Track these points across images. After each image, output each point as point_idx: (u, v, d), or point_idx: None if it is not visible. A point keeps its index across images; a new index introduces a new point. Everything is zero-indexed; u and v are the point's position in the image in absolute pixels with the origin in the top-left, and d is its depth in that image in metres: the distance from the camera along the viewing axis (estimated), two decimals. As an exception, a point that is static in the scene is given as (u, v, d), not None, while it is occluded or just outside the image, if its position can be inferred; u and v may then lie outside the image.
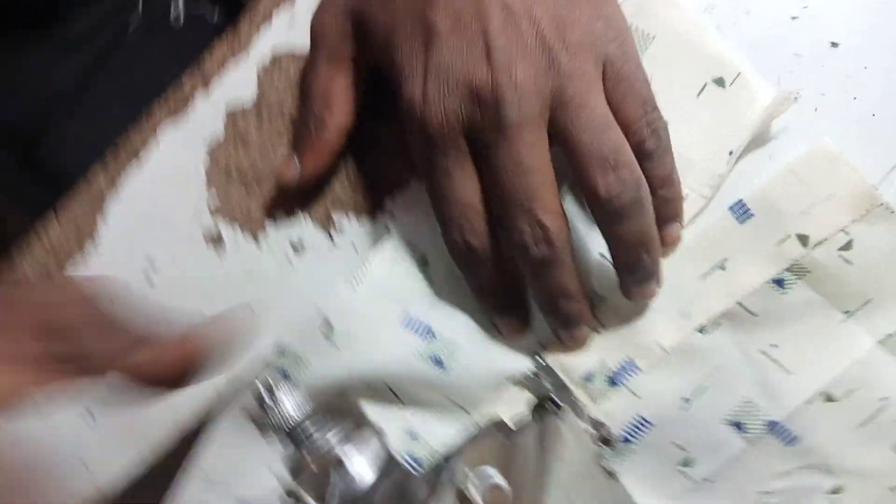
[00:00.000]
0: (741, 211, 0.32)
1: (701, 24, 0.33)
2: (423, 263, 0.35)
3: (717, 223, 0.33)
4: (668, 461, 0.34)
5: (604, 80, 0.28)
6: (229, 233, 0.39)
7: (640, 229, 0.29)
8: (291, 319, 0.37)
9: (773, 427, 0.33)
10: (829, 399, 0.33)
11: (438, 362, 0.34)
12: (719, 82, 0.32)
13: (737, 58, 0.32)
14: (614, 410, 0.34)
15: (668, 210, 0.31)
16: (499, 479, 0.18)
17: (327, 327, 0.35)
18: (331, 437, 0.20)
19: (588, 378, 0.34)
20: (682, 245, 0.33)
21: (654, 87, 0.30)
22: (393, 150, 0.37)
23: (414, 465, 0.31)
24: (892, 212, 0.31)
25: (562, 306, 0.31)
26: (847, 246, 0.32)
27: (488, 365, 0.34)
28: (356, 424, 0.20)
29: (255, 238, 0.38)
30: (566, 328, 0.32)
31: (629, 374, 0.33)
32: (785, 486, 0.34)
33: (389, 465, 0.20)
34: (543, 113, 0.28)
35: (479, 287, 0.33)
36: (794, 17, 0.32)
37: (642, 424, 0.34)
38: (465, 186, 0.30)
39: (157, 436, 0.40)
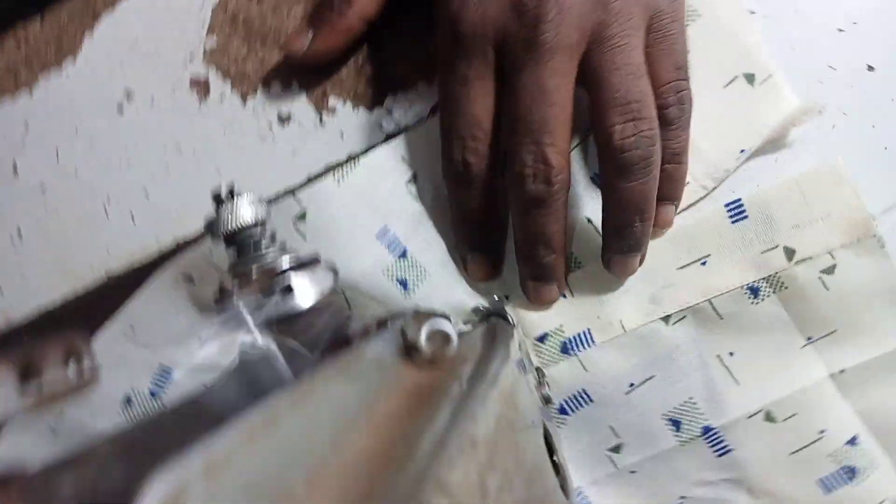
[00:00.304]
0: (736, 211, 0.32)
1: (747, 16, 0.32)
2: (413, 181, 0.34)
3: (709, 217, 0.32)
4: (598, 442, 0.33)
5: (647, 31, 0.28)
6: (218, 84, 0.37)
7: (642, 191, 0.28)
8: (262, 192, 0.35)
9: (707, 432, 0.32)
10: (770, 419, 0.32)
11: (403, 284, 0.33)
12: (749, 78, 0.31)
13: (772, 59, 0.31)
14: (559, 378, 0.33)
15: (669, 188, 0.30)
16: (448, 327, 0.16)
17: (300, 216, 0.33)
18: (282, 259, 0.18)
19: (542, 339, 0.33)
20: (669, 230, 0.32)
21: None
22: (408, 48, 0.35)
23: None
24: (883, 247, 0.31)
25: (539, 254, 0.30)
26: (830, 270, 0.31)
27: (450, 300, 0.33)
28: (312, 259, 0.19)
29: (244, 98, 0.37)
30: (536, 279, 0.31)
31: (583, 346, 0.33)
32: (704, 495, 0.33)
33: (332, 304, 0.18)
34: (580, 44, 0.27)
35: (461, 215, 0.32)
36: (840, 30, 0.32)
37: (583, 399, 0.33)
38: (480, 101, 0.28)
39: (80, 273, 0.38)
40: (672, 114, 0.28)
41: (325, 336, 0.17)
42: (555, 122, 0.27)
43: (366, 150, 0.35)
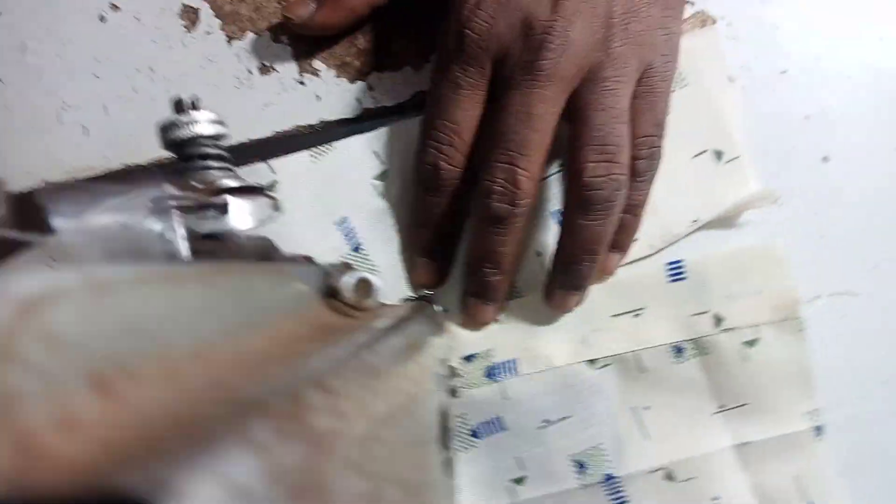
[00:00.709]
0: (676, 271, 0.33)
1: (730, 92, 0.33)
2: (381, 177, 0.34)
3: (649, 272, 0.33)
4: (503, 470, 0.34)
5: (637, 83, 0.28)
6: (208, 17, 0.36)
7: (598, 232, 0.28)
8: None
9: (609, 480, 0.33)
10: (670, 478, 0.33)
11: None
12: (718, 154, 0.33)
13: (743, 141, 0.33)
14: (479, 401, 0.33)
15: (620, 238, 0.31)
16: (373, 280, 0.16)
17: (270, 185, 0.33)
18: (227, 178, 0.18)
19: (469, 358, 0.33)
20: (611, 279, 0.33)
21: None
22: (405, 30, 0.35)
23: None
24: (802, 331, 0.32)
25: (487, 271, 0.30)
26: (752, 343, 0.32)
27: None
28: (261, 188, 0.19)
29: (230, 39, 0.36)
30: (477, 295, 0.31)
31: (507, 374, 0.33)
32: None
33: (265, 242, 0.18)
34: (574, 79, 0.27)
35: (421, 218, 0.32)
36: (807, 117, 0.34)
37: (497, 426, 0.33)
38: (467, 110, 0.29)
39: (16, 175, 0.36)
40: (642, 166, 0.29)
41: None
42: (533, 147, 0.27)
43: (338, 121, 0.35)
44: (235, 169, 0.19)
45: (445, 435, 0.20)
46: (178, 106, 0.18)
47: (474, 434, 0.33)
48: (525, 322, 0.33)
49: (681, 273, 0.33)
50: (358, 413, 0.09)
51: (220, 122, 0.18)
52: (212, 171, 0.18)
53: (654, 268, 0.33)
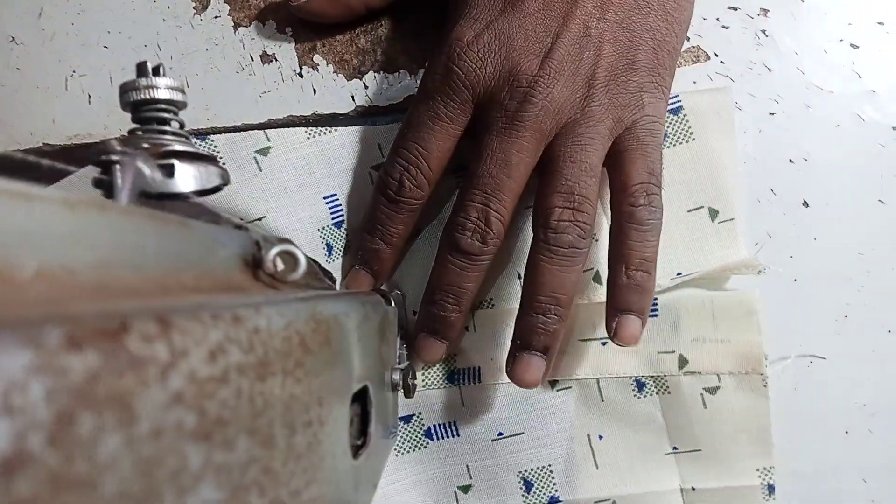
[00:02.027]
0: (650, 312, 0.32)
1: (735, 153, 0.33)
2: (378, 169, 0.34)
3: None
4: (451, 476, 0.34)
5: (622, 140, 0.28)
6: (218, 4, 0.37)
7: (562, 278, 0.28)
8: (219, 119, 0.36)
9: (552, 502, 0.33)
10: None
11: (329, 248, 0.34)
12: (713, 214, 0.33)
13: (739, 204, 0.33)
14: (437, 403, 0.33)
15: (634, 298, 0.28)
16: (299, 255, 0.17)
17: (264, 150, 0.34)
18: (177, 144, 0.19)
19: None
20: (580, 305, 0.32)
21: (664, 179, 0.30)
22: (405, 36, 0.36)
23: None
24: (765, 386, 0.32)
25: (447, 304, 0.30)
26: (713, 390, 0.32)
27: None
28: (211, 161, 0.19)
29: (236, 25, 0.37)
30: (431, 332, 0.31)
31: (469, 381, 0.33)
32: None
33: (207, 211, 0.19)
34: (551, 132, 0.28)
35: (370, 226, 0.32)
36: (791, 161, 0.34)
37: (451, 431, 0.33)
38: (441, 140, 0.29)
39: (18, 134, 0.37)
40: (642, 214, 0.28)
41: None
42: (507, 192, 0.28)
43: (330, 115, 0.36)
44: (188, 137, 0.20)
45: (366, 423, 0.20)
46: (141, 69, 0.19)
47: (427, 435, 0.34)
48: (493, 333, 0.33)
49: (654, 310, 0.33)
50: (200, 354, 0.10)
51: (180, 90, 0.19)
52: (164, 136, 0.19)
53: None
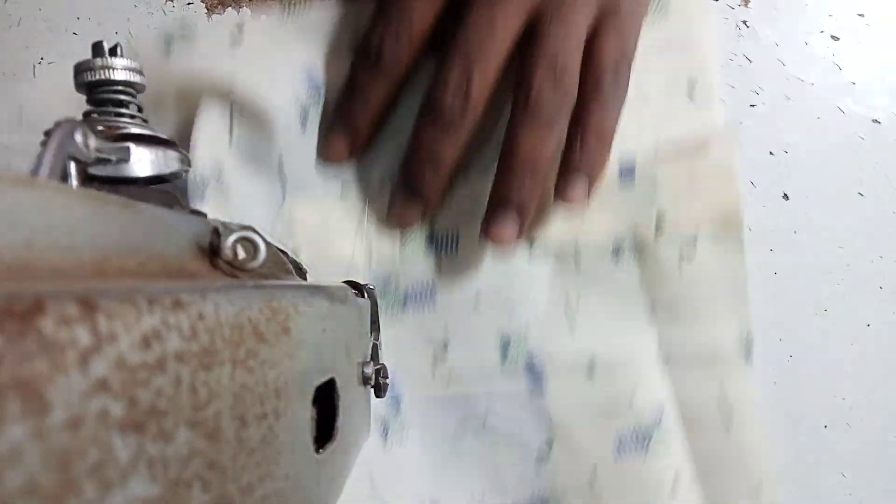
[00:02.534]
0: (627, 176, 0.32)
1: (710, 22, 0.33)
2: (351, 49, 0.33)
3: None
4: (428, 340, 0.33)
5: (600, 15, 0.28)
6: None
7: (540, 145, 0.28)
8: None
9: (529, 364, 0.33)
10: (590, 371, 0.33)
11: (304, 119, 0.33)
12: (691, 83, 0.32)
13: (715, 74, 0.32)
14: (414, 261, 0.33)
15: (585, 160, 0.29)
16: (259, 242, 0.16)
17: (239, 33, 0.33)
18: (134, 127, 0.18)
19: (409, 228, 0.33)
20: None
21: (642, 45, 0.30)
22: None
23: (200, 186, 0.31)
24: (741, 244, 0.32)
25: (425, 167, 0.30)
26: (690, 252, 0.32)
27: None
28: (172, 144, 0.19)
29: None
30: (408, 192, 0.31)
31: (448, 247, 0.33)
32: (505, 424, 0.33)
33: (165, 196, 0.18)
34: (534, 4, 0.28)
35: (350, 92, 0.31)
36: (771, 153, 0.34)
37: (430, 293, 0.33)
38: (424, 10, 0.29)
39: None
40: (606, 83, 0.28)
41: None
42: (490, 56, 0.28)
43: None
44: (146, 120, 0.19)
45: (333, 417, 0.19)
46: (97, 49, 0.18)
47: (405, 300, 0.33)
48: (470, 198, 0.33)
49: (633, 179, 0.32)
50: (130, 340, 0.09)
51: (137, 72, 0.18)
52: (120, 119, 0.18)
53: (606, 172, 0.32)
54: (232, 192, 0.32)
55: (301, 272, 0.29)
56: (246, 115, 0.33)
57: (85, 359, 0.08)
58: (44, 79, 0.37)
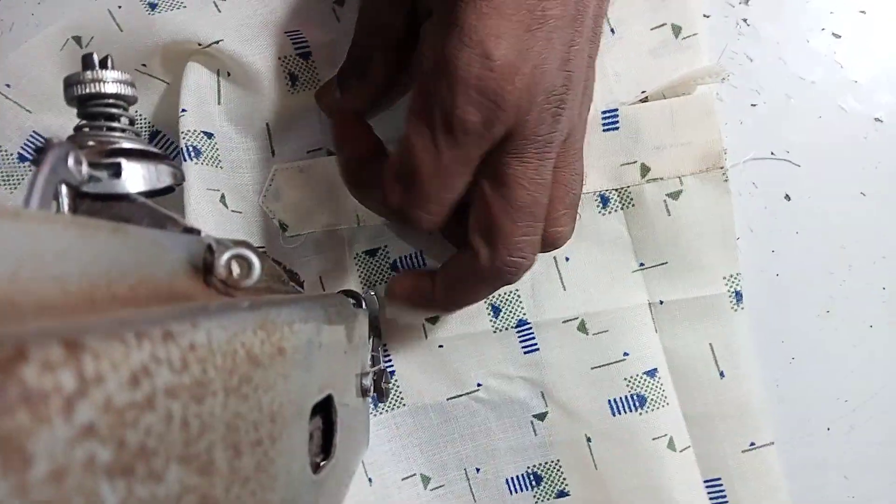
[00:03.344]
0: (611, 120, 0.32)
1: None
2: (339, 2, 0.34)
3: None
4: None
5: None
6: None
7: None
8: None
9: (521, 326, 0.33)
10: (582, 329, 0.33)
11: (293, 78, 0.33)
12: (676, 30, 0.32)
13: (700, 20, 0.32)
14: (401, 234, 0.33)
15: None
16: (254, 259, 0.16)
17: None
18: (125, 141, 0.18)
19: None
20: None
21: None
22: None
23: (191, 152, 0.30)
24: (726, 181, 0.32)
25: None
26: (675, 195, 0.32)
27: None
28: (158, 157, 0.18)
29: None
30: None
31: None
32: (499, 387, 0.34)
33: (157, 213, 0.17)
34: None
35: (363, 26, 0.29)
36: (772, 153, 0.33)
37: (416, 260, 0.33)
38: (458, 186, 0.25)
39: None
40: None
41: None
42: (539, 210, 0.26)
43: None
44: (138, 133, 0.18)
45: (330, 435, 0.19)
46: (87, 61, 0.18)
47: (393, 268, 0.33)
48: None
49: (615, 122, 0.32)
50: (118, 379, 0.09)
51: (129, 84, 0.18)
52: (111, 133, 0.18)
53: (589, 115, 0.30)
54: (223, 156, 0.32)
55: (295, 278, 0.28)
56: (233, 77, 0.32)
57: (70, 405, 0.08)
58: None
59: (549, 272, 0.33)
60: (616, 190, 0.32)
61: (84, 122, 0.18)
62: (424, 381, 0.34)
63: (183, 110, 0.31)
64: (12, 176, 0.35)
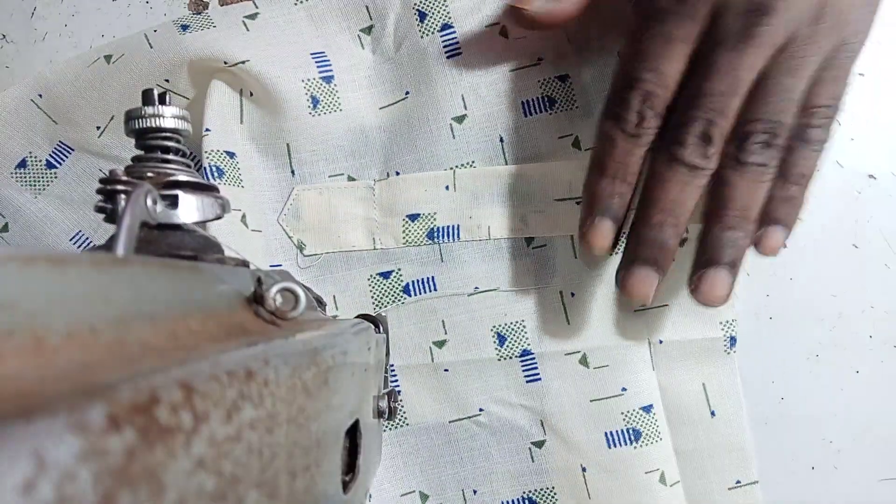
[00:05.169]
0: None
1: None
2: (367, 32, 0.35)
3: None
4: (426, 331, 0.35)
5: (825, 65, 0.27)
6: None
7: (752, 200, 0.28)
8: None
9: (525, 356, 0.34)
10: (584, 363, 0.34)
11: (314, 101, 0.34)
12: None
13: None
14: (416, 260, 0.34)
15: (785, 211, 0.29)
16: (299, 292, 0.17)
17: (251, 19, 0.34)
18: (181, 174, 0.19)
19: (413, 217, 0.34)
20: (554, 164, 0.34)
21: None
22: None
23: (214, 173, 0.32)
24: None
25: (667, 228, 0.29)
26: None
27: (341, 138, 0.34)
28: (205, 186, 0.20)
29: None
30: (649, 264, 0.29)
31: (448, 238, 0.34)
32: (500, 413, 0.35)
33: (208, 241, 0.19)
34: (778, 47, 0.26)
35: (613, 167, 0.29)
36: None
37: (429, 285, 0.34)
38: (676, 62, 0.28)
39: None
40: (814, 135, 0.28)
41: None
42: (732, 112, 0.27)
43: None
44: (192, 165, 0.20)
45: (355, 456, 0.20)
46: (147, 97, 0.19)
47: (405, 291, 0.35)
48: (472, 191, 0.34)
49: None
50: (218, 416, 0.10)
51: (185, 119, 0.19)
52: (168, 165, 0.19)
53: None
54: (244, 176, 0.34)
55: (321, 304, 0.30)
56: (255, 97, 0.34)
57: (188, 441, 0.09)
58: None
59: (556, 305, 0.34)
60: (624, 232, 0.34)
61: (142, 153, 0.20)
62: (429, 402, 0.35)
63: (207, 130, 0.33)
64: (39, 181, 0.36)
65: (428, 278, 0.35)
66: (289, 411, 0.13)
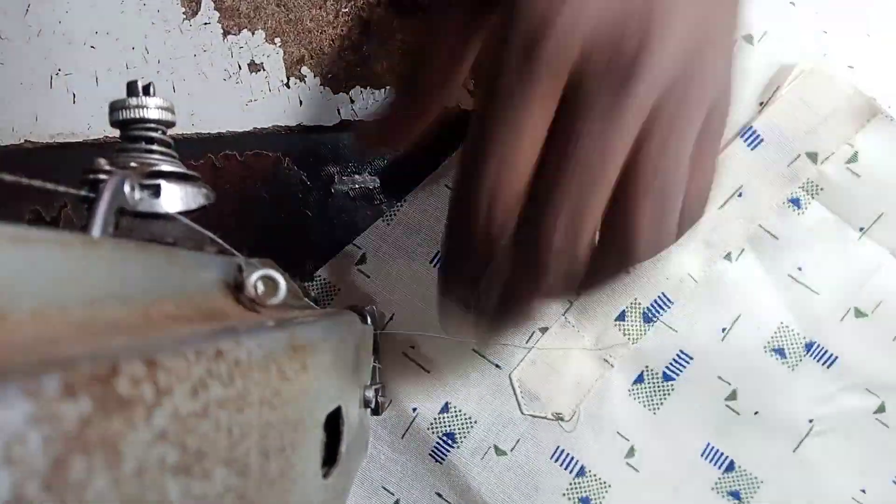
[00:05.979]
0: (752, 137, 0.33)
1: None
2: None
3: (729, 152, 0.33)
4: (713, 396, 0.33)
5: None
6: (208, 9, 0.38)
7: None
8: (203, 125, 0.36)
9: (810, 348, 0.33)
10: (860, 314, 0.33)
11: None
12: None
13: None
14: (653, 348, 0.33)
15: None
16: (280, 279, 0.17)
17: (361, 260, 0.34)
18: (164, 164, 0.19)
19: (621, 317, 0.33)
20: None
21: None
22: (391, 53, 0.37)
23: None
24: (892, 119, 0.32)
25: (508, 323, 0.23)
26: (853, 158, 0.33)
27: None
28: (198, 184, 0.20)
29: (226, 33, 0.38)
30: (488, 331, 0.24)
31: (663, 310, 0.33)
32: (830, 412, 0.33)
33: (190, 232, 0.19)
34: (650, 110, 0.20)
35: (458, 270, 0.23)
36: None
37: (683, 360, 0.33)
38: (531, 133, 0.20)
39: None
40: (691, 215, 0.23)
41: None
42: (603, 196, 0.20)
43: (318, 128, 0.36)
44: (176, 156, 0.20)
45: (337, 443, 0.21)
46: (131, 88, 0.19)
47: (666, 378, 0.33)
48: (649, 262, 0.30)
49: (757, 137, 0.33)
50: (183, 391, 0.10)
51: (169, 110, 0.19)
52: (152, 155, 0.19)
53: (731, 145, 0.33)
54: None
55: (306, 292, 0.30)
56: None
57: (149, 413, 0.09)
58: (60, 89, 0.38)
59: (796, 288, 0.34)
60: (800, 187, 0.33)
61: (126, 143, 0.20)
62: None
63: None
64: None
65: (677, 354, 0.34)
66: (262, 393, 0.13)
